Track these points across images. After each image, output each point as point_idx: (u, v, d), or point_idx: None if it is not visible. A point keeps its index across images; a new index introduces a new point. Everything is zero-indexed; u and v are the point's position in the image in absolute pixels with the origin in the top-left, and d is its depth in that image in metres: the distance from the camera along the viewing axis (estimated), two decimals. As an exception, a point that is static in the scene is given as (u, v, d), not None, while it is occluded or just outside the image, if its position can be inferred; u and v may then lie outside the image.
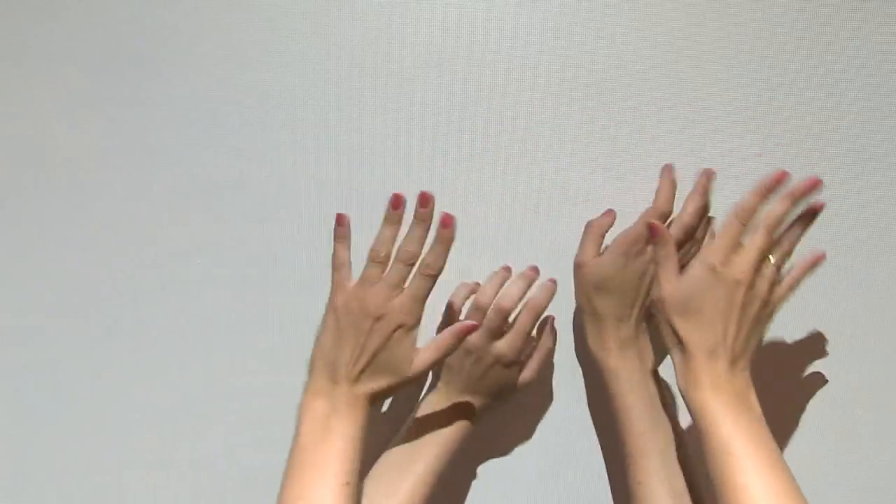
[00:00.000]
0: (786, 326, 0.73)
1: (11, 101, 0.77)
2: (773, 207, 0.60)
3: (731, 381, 0.57)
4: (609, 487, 0.73)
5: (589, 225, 0.69)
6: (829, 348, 0.73)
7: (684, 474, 0.62)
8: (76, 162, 0.76)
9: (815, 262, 0.62)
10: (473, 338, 0.65)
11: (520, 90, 0.74)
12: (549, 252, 0.72)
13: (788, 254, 0.60)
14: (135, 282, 0.76)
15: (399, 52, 0.75)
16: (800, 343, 0.73)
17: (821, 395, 0.73)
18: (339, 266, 0.61)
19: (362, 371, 0.58)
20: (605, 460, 0.73)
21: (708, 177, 0.67)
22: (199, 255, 0.75)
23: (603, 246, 0.69)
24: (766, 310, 0.59)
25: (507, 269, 0.71)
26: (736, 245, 0.59)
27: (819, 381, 0.73)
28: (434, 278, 0.59)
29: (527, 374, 0.69)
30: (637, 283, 0.66)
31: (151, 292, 0.75)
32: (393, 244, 0.60)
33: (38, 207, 0.76)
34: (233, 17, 0.76)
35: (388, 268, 0.60)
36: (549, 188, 0.74)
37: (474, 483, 0.74)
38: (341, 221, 0.61)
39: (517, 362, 0.67)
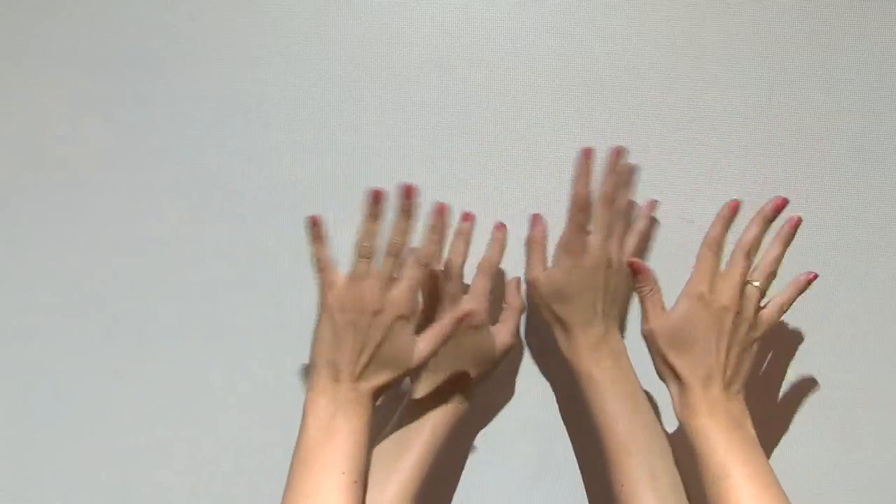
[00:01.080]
0: (786, 326, 0.73)
1: (11, 101, 0.77)
2: (747, 231, 0.62)
3: (726, 405, 0.59)
4: (585, 492, 0.73)
5: (528, 240, 0.70)
6: (829, 348, 0.73)
7: (668, 472, 0.62)
8: (76, 162, 0.76)
9: (805, 283, 0.63)
10: (437, 310, 0.66)
11: (520, 90, 0.74)
12: (548, 252, 0.72)
13: (772, 275, 0.62)
14: (135, 282, 0.76)
15: (399, 52, 0.75)
16: (800, 343, 0.73)
17: (821, 395, 0.73)
18: (324, 266, 0.61)
19: (365, 367, 0.59)
20: (585, 464, 0.73)
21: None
22: (199, 254, 0.75)
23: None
24: (755, 332, 0.61)
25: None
26: (716, 273, 0.61)
27: (819, 381, 0.73)
28: (427, 268, 0.61)
29: (503, 336, 0.68)
30: (593, 283, 0.66)
31: (151, 292, 0.75)
32: (377, 238, 0.61)
33: (38, 207, 0.76)
34: (233, 17, 0.76)
35: (377, 261, 0.60)
36: (549, 188, 0.74)
37: (465, 470, 0.74)
38: (316, 222, 0.62)
39: (486, 322, 0.66)
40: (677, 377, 0.60)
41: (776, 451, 0.72)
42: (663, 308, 0.62)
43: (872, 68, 0.73)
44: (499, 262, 0.69)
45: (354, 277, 0.60)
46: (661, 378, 0.61)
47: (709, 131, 0.74)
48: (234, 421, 0.75)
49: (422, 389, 0.67)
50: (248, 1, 0.76)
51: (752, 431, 0.59)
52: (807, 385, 0.73)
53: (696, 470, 0.57)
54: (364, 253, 0.60)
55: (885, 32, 0.73)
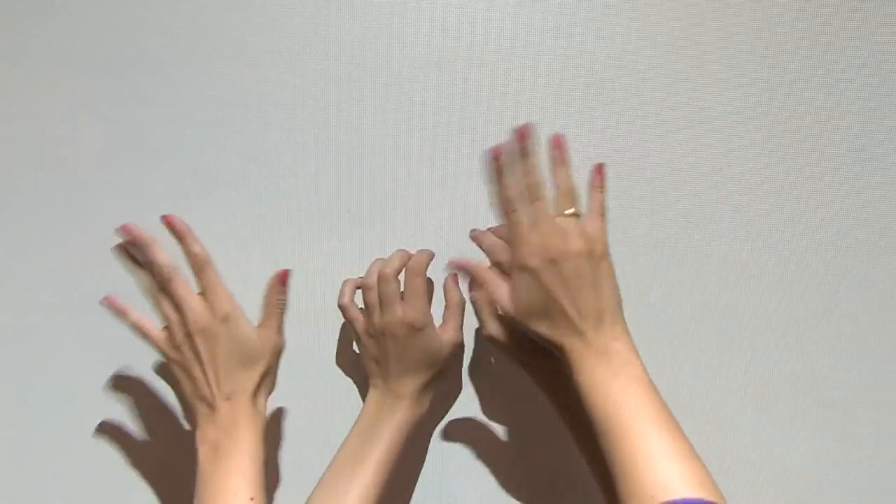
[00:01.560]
0: (786, 326, 0.73)
1: (11, 101, 0.77)
2: (504, 182, 0.59)
3: (606, 345, 0.56)
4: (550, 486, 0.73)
5: (473, 301, 0.66)
6: (829, 348, 0.73)
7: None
8: (76, 162, 0.76)
9: (598, 177, 0.60)
10: (375, 318, 0.66)
11: (520, 90, 0.74)
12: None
13: (567, 190, 0.59)
14: (134, 282, 0.76)
15: (399, 52, 0.75)
16: (800, 343, 0.73)
17: (821, 395, 0.72)
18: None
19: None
20: (543, 457, 0.73)
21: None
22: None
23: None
24: (591, 260, 0.57)
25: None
26: (524, 233, 0.58)
27: (819, 381, 0.73)
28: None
29: (448, 334, 0.67)
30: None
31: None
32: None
33: (38, 207, 0.76)
34: (233, 17, 0.76)
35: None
36: (548, 188, 0.74)
37: (423, 475, 0.74)
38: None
39: (428, 323, 0.66)
40: (554, 343, 0.58)
41: (776, 452, 0.72)
42: (507, 291, 0.59)
43: (872, 68, 0.73)
44: (428, 262, 0.67)
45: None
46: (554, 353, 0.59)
47: (709, 131, 0.74)
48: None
49: (374, 400, 0.67)
50: (248, 1, 0.76)
51: (640, 367, 0.56)
52: (807, 385, 0.73)
53: (593, 427, 0.55)
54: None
55: (885, 32, 0.73)
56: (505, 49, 0.74)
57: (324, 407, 0.74)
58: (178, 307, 0.60)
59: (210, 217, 0.75)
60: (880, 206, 0.73)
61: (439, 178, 0.74)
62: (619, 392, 0.54)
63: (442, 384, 0.69)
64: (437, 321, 0.68)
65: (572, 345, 0.57)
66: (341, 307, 0.69)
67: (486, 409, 0.74)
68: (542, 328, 0.58)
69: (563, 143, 0.60)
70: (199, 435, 0.60)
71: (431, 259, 0.68)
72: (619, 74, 0.74)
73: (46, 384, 0.75)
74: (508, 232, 0.59)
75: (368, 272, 0.68)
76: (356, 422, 0.67)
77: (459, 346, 0.70)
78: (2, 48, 0.77)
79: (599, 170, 0.61)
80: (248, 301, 0.76)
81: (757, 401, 0.73)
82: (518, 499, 0.73)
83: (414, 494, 0.74)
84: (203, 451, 0.59)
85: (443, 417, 0.74)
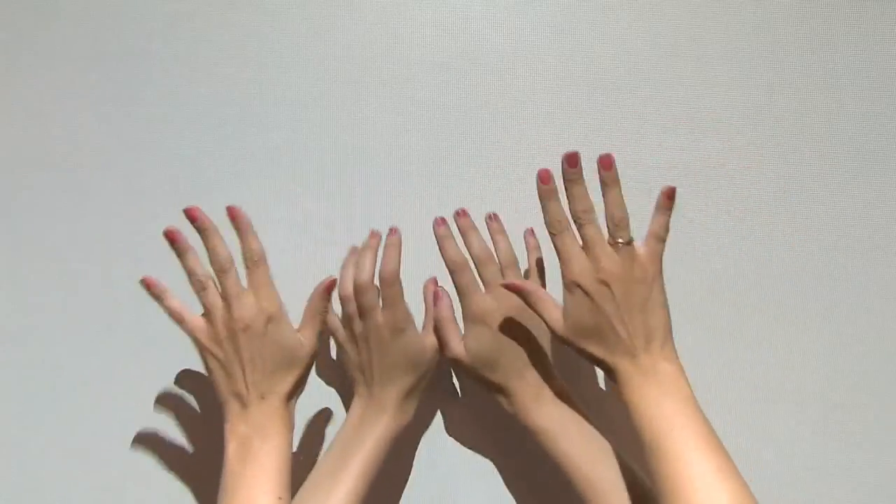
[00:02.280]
0: (786, 326, 0.73)
1: (11, 101, 0.77)
2: (553, 206, 0.61)
3: (655, 365, 0.58)
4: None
5: (436, 319, 0.67)
6: (829, 348, 0.73)
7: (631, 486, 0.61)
8: (76, 162, 0.76)
9: (667, 200, 0.61)
10: (357, 327, 0.65)
11: (520, 90, 0.74)
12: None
13: (622, 220, 0.60)
14: (135, 282, 0.76)
15: (399, 52, 0.75)
16: (800, 343, 0.73)
17: (821, 395, 0.73)
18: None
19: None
20: (528, 466, 0.73)
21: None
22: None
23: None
24: (643, 284, 0.59)
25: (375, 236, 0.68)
26: (576, 253, 0.60)
27: (819, 381, 0.73)
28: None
29: (431, 337, 0.67)
30: (508, 339, 0.65)
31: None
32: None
33: (38, 207, 0.76)
34: (233, 17, 0.76)
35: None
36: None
37: (410, 482, 0.73)
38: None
39: (410, 324, 0.65)
40: (601, 362, 0.60)
41: (776, 452, 0.72)
42: (557, 308, 0.61)
43: (872, 68, 0.73)
44: (399, 267, 0.65)
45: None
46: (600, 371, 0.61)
47: (709, 131, 0.74)
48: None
49: (359, 407, 0.66)
50: (248, 1, 0.76)
51: (688, 388, 0.57)
52: (807, 385, 0.73)
53: (640, 446, 0.56)
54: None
55: (885, 32, 0.73)
56: (505, 49, 0.74)
57: (308, 415, 0.73)
58: (226, 300, 0.61)
59: (210, 216, 0.75)
60: (880, 206, 0.73)
61: (439, 177, 0.74)
62: (669, 412, 0.56)
63: (427, 393, 0.69)
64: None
65: (622, 365, 0.58)
66: (332, 330, 0.69)
67: (473, 415, 0.74)
68: (593, 347, 0.59)
69: (613, 162, 0.60)
70: (228, 429, 0.60)
71: (400, 258, 0.65)
72: (619, 74, 0.74)
73: (46, 384, 0.75)
74: (560, 252, 0.61)
75: (342, 282, 0.67)
76: (339, 431, 0.66)
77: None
78: (2, 48, 0.77)
79: (670, 194, 0.61)
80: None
81: (757, 400, 0.73)
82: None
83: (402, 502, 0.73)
84: (232, 447, 0.59)
85: (429, 425, 0.73)
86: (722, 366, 0.73)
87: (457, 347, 0.65)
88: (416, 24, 0.75)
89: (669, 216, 0.61)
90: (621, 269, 0.58)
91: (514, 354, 0.65)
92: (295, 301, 0.73)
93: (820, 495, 0.72)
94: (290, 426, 0.62)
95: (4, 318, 0.76)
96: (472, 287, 0.65)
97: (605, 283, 0.58)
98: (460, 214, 0.67)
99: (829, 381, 0.73)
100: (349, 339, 0.67)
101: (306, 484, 0.63)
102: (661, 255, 0.60)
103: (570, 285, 0.59)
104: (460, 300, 0.65)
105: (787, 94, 0.73)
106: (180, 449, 0.75)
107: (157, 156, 0.76)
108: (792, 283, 0.73)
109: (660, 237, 0.60)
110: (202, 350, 0.62)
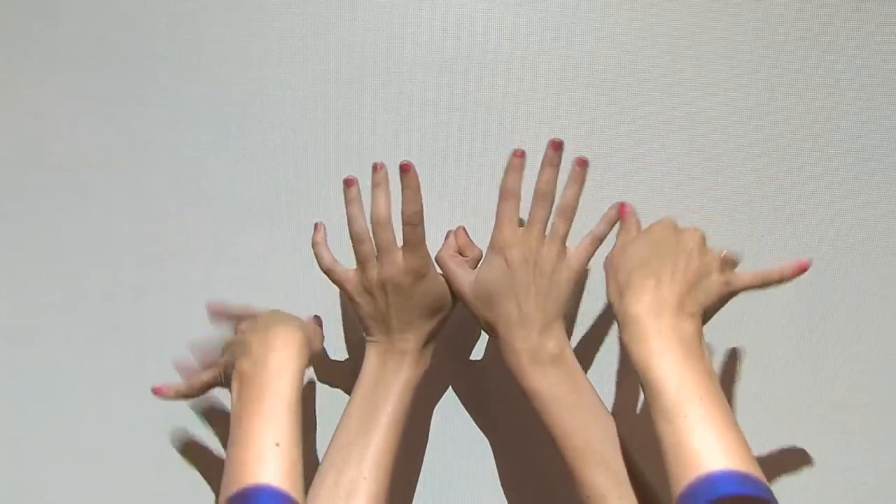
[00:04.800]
0: (786, 326, 0.73)
1: (11, 101, 0.77)
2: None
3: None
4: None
5: (437, 259, 0.66)
6: (829, 348, 0.73)
7: (632, 477, 0.57)
8: (76, 162, 0.76)
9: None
10: (372, 272, 0.63)
11: (520, 90, 0.74)
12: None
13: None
14: (135, 281, 0.76)
15: (399, 52, 0.75)
16: (800, 343, 0.73)
17: (821, 394, 0.72)
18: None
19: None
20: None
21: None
22: (200, 254, 0.75)
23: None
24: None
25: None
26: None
27: (819, 381, 0.73)
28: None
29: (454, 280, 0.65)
30: (518, 280, 0.61)
31: (152, 292, 0.75)
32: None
33: (38, 207, 0.76)
34: (233, 17, 0.76)
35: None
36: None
37: (433, 429, 0.73)
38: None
39: (431, 268, 0.63)
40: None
41: (777, 452, 0.72)
42: (633, 241, 0.61)
43: (872, 68, 0.73)
44: (422, 208, 0.62)
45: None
46: (614, 310, 0.58)
47: (709, 131, 0.74)
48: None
49: (376, 357, 0.64)
50: (248, 1, 0.76)
51: (707, 361, 0.54)
52: (807, 385, 0.73)
53: (648, 405, 0.52)
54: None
55: (885, 32, 0.73)
56: (505, 49, 0.74)
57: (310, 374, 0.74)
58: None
59: (210, 217, 0.75)
60: (880, 206, 0.73)
61: (439, 177, 0.74)
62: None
63: (448, 344, 0.69)
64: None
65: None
66: (326, 271, 0.65)
67: (489, 378, 0.74)
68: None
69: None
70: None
71: (421, 198, 0.62)
72: (619, 74, 0.74)
73: (46, 384, 0.75)
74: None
75: (352, 220, 0.64)
76: (358, 385, 0.63)
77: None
78: (2, 48, 0.77)
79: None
80: (248, 298, 0.76)
81: (757, 400, 0.73)
82: (528, 467, 0.73)
83: (424, 463, 0.73)
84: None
85: (445, 390, 0.74)
86: (721, 366, 0.73)
87: (462, 275, 0.64)
88: (416, 24, 0.75)
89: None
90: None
91: (524, 298, 0.60)
92: (295, 301, 0.73)
93: (820, 495, 0.72)
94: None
95: (4, 319, 0.76)
96: (509, 217, 0.62)
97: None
98: (554, 146, 0.62)
99: (829, 382, 0.73)
100: (362, 289, 0.64)
101: (334, 443, 0.61)
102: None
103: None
104: (495, 226, 0.63)
105: (787, 94, 0.73)
106: (180, 449, 0.75)
107: (157, 155, 0.76)
108: (791, 283, 0.73)
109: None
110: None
